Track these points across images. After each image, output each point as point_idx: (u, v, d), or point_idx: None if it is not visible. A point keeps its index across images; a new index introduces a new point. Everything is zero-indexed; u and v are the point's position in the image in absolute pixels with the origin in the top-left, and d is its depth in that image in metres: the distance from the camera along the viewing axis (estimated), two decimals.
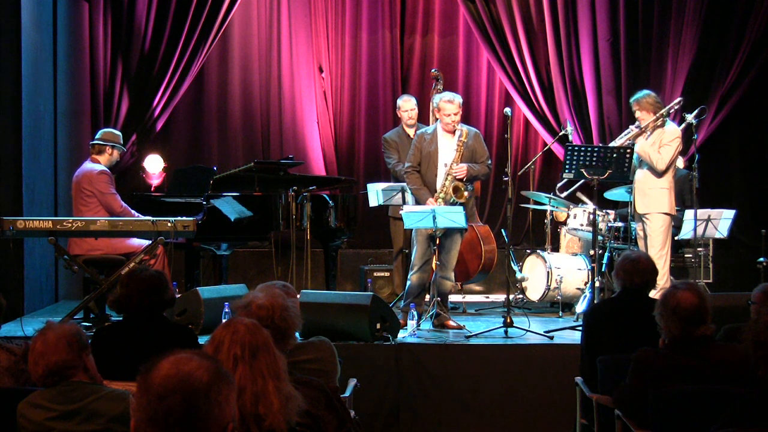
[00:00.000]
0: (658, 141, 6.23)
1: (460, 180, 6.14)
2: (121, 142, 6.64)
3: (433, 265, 6.20)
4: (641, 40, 8.58)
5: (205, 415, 1.68)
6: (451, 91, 6.64)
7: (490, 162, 6.46)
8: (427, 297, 6.41)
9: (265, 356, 2.33)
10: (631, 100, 6.45)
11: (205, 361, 1.75)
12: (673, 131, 6.30)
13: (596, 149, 6.01)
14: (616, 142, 6.35)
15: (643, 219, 6.28)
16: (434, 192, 6.21)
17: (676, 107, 6.64)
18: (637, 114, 6.34)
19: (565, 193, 7.26)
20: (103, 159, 6.43)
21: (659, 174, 6.23)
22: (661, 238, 6.23)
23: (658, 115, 6.24)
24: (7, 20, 6.79)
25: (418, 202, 6.26)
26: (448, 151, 6.24)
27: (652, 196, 6.25)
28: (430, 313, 6.17)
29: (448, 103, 6.18)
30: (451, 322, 6.25)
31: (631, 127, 6.43)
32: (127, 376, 3.01)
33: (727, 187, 8.92)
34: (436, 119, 6.37)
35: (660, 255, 6.12)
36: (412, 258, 6.33)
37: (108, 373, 3.19)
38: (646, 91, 6.43)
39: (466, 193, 6.17)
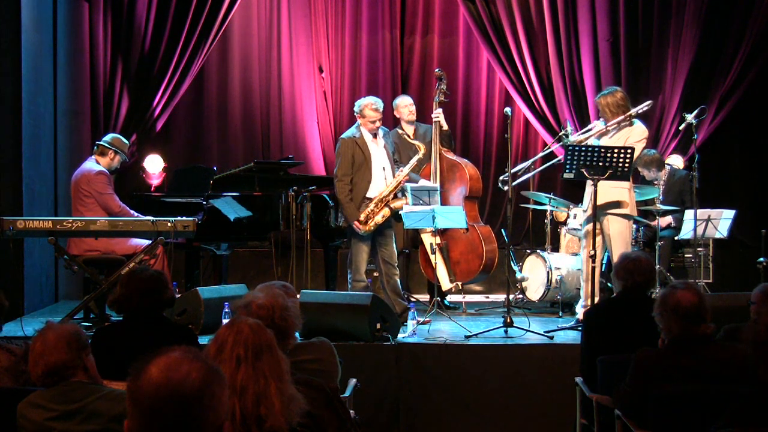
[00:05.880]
0: (623, 141, 6.04)
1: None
2: (127, 151, 6.65)
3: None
4: (641, 40, 8.57)
5: (200, 422, 1.66)
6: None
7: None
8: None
9: (268, 357, 2.32)
10: (596, 97, 6.34)
11: (194, 363, 1.69)
12: (641, 132, 6.16)
13: (596, 149, 5.98)
14: (578, 137, 6.24)
15: (603, 220, 6.13)
16: (363, 197, 6.31)
17: (644, 109, 6.44)
18: (602, 112, 6.19)
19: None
20: (103, 161, 6.45)
21: None
22: (624, 240, 6.11)
23: (625, 115, 6.07)
24: (7, 20, 6.79)
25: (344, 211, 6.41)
26: (379, 155, 6.42)
27: (612, 196, 6.06)
28: (430, 314, 6.16)
29: (374, 111, 6.35)
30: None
31: (596, 122, 6.34)
32: (127, 376, 2.99)
33: (727, 187, 8.91)
34: (357, 122, 6.46)
35: None
36: (355, 263, 6.39)
37: (108, 373, 3.19)
38: (612, 88, 6.28)
39: (399, 203, 6.34)
